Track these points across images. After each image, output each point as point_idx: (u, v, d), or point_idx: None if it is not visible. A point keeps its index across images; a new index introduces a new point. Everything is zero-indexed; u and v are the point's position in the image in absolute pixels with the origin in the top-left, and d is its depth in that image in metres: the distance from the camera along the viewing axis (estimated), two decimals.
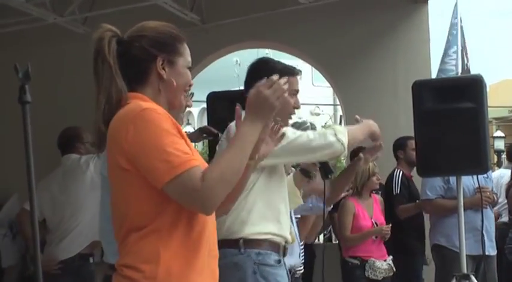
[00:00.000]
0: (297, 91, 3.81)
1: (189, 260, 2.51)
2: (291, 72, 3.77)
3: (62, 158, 6.07)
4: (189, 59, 2.74)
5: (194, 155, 2.50)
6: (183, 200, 2.45)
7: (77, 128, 6.13)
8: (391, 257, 6.65)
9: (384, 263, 6.55)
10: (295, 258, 4.65)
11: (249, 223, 3.60)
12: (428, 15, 9.08)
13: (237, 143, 2.53)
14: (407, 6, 8.99)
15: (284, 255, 3.79)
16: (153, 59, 2.64)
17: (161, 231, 2.48)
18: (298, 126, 3.50)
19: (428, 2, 9.10)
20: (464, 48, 10.88)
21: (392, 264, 6.60)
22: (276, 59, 3.97)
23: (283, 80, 2.59)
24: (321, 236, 14.65)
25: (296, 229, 4.71)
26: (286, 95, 2.64)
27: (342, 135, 3.65)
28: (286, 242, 3.78)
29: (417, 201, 6.97)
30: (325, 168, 3.76)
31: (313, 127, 3.69)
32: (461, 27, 10.82)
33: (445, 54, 10.79)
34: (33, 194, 2.75)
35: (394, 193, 7.13)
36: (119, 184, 2.56)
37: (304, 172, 3.93)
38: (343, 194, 5.31)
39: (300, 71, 3.86)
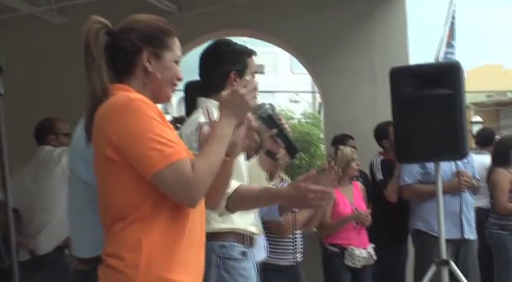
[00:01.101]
0: (256, 72, 3.77)
1: (172, 249, 2.53)
2: (250, 53, 3.75)
3: (36, 148, 6.03)
4: (179, 53, 2.78)
5: (180, 146, 2.54)
6: (171, 190, 2.47)
7: (51, 119, 6.09)
8: (372, 245, 6.65)
9: (363, 251, 6.53)
10: (260, 253, 4.61)
11: (211, 220, 3.52)
12: (405, 2, 9.08)
13: (216, 139, 2.60)
14: None
15: (251, 246, 3.73)
16: (139, 51, 2.67)
17: (144, 220, 2.50)
18: (257, 109, 3.42)
19: None
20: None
21: (373, 253, 6.60)
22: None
23: (255, 80, 2.79)
24: None
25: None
26: (256, 89, 2.72)
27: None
28: (252, 233, 3.75)
29: (395, 175, 6.96)
30: (290, 148, 3.68)
31: (273, 108, 3.62)
32: (454, 18, 10.81)
33: (448, 43, 10.73)
34: (7, 187, 2.73)
35: (377, 180, 7.14)
36: (104, 174, 2.58)
37: (269, 153, 3.86)
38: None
39: (255, 52, 3.79)
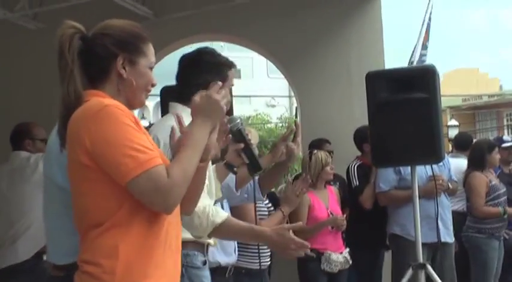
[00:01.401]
0: (233, 85, 3.77)
1: (149, 254, 2.52)
2: (231, 65, 3.73)
3: (11, 154, 5.98)
4: (153, 59, 2.76)
5: (156, 152, 2.52)
6: (146, 197, 2.46)
7: (28, 123, 6.05)
8: (347, 249, 6.65)
9: (339, 256, 6.53)
10: (230, 255, 4.62)
11: None
12: (380, 5, 9.12)
13: (191, 144, 2.59)
14: None
15: (207, 254, 3.75)
16: (113, 57, 2.65)
17: (120, 226, 2.49)
18: (229, 121, 3.42)
19: None
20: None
21: (349, 257, 6.61)
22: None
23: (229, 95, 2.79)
24: None
25: None
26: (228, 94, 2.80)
27: (204, 226, 3.46)
28: (208, 243, 3.74)
29: (370, 182, 6.98)
30: (253, 165, 3.70)
31: (242, 123, 3.62)
32: (430, 19, 10.86)
33: (424, 46, 10.78)
34: None
35: (353, 186, 7.15)
36: (78, 180, 2.56)
37: (228, 166, 3.85)
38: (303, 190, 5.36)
39: (236, 65, 3.79)
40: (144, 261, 2.51)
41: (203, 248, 3.69)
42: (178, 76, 3.75)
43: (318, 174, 6.68)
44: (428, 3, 10.41)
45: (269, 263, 5.43)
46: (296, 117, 29.77)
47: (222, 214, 3.48)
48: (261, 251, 5.18)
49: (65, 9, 7.88)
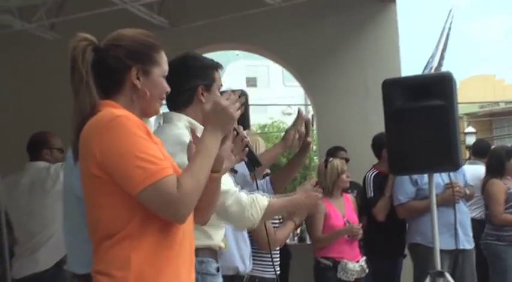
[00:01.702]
0: (221, 86, 3.77)
1: (162, 265, 2.51)
2: (217, 67, 3.72)
3: (28, 163, 5.99)
4: (166, 67, 2.75)
5: (167, 162, 2.52)
6: (157, 208, 2.45)
7: (45, 133, 6.06)
8: (364, 258, 6.63)
9: (356, 265, 6.50)
10: (246, 263, 4.59)
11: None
12: (396, 14, 9.12)
13: (202, 154, 2.58)
14: (375, 5, 9.02)
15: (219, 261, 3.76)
16: (127, 69, 2.64)
17: (133, 237, 2.49)
18: None
19: (396, 1, 9.13)
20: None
21: (366, 266, 6.58)
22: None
23: (237, 93, 2.72)
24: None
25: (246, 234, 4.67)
26: (239, 100, 2.71)
27: (257, 214, 3.58)
28: (219, 248, 3.75)
29: (385, 194, 6.95)
30: (251, 160, 3.73)
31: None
32: (450, 29, 10.76)
33: (442, 57, 10.68)
34: (1, 206, 2.74)
35: (368, 197, 7.13)
36: (91, 191, 2.56)
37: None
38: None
39: (222, 66, 3.79)
40: (157, 272, 2.50)
41: (216, 254, 3.70)
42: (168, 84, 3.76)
43: (334, 182, 6.67)
44: (450, 12, 10.31)
45: (279, 272, 5.39)
46: (312, 125, 29.64)
47: (263, 196, 3.60)
48: (274, 259, 5.17)
49: (82, 19, 7.93)
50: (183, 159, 3.09)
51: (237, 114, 2.68)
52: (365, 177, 7.21)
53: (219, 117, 2.65)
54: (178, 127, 3.53)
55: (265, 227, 3.99)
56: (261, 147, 5.14)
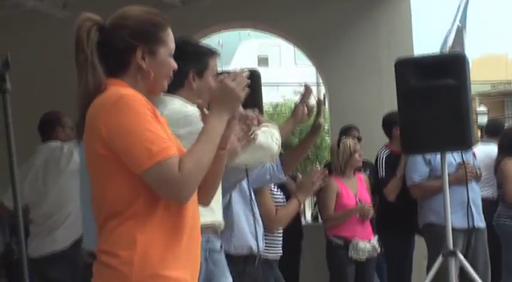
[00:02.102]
0: (217, 73, 3.77)
1: (167, 245, 2.51)
2: (212, 53, 3.73)
3: (41, 146, 6.00)
4: (173, 45, 2.72)
5: (171, 140, 2.52)
6: (159, 188, 2.45)
7: (57, 112, 6.08)
8: (376, 237, 6.63)
9: (367, 244, 6.50)
10: (260, 242, 4.57)
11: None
12: None
13: (207, 134, 2.56)
14: None
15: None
16: (133, 49, 2.61)
17: (138, 217, 2.48)
18: None
19: None
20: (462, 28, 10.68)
21: (377, 245, 6.58)
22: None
23: (246, 73, 2.67)
24: (308, 215, 14.74)
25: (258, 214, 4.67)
26: (246, 79, 2.67)
27: (277, 139, 3.71)
28: (221, 224, 3.77)
29: (396, 175, 6.94)
30: None
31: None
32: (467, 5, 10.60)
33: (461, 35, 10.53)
34: (16, 187, 2.74)
35: (379, 177, 7.11)
36: (95, 170, 2.55)
37: None
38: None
39: (219, 53, 3.79)
40: (163, 252, 2.49)
41: (217, 232, 3.72)
42: None
43: (346, 161, 6.67)
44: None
45: (281, 254, 5.37)
46: (324, 104, 29.64)
47: (274, 128, 3.79)
48: (277, 240, 5.16)
49: None
50: (187, 129, 3.11)
51: (243, 94, 2.64)
52: (377, 156, 7.20)
53: (225, 99, 2.62)
54: (173, 104, 3.52)
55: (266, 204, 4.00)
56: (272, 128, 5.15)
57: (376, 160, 7.20)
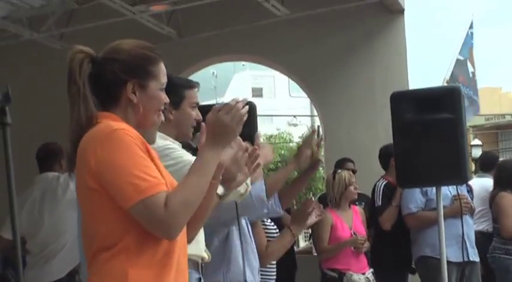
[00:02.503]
0: (197, 103, 3.79)
1: (158, 278, 2.49)
2: (189, 85, 3.77)
3: (38, 176, 6.00)
4: (164, 79, 2.71)
5: (163, 176, 2.49)
6: (146, 224, 2.43)
7: (55, 143, 6.08)
8: (371, 270, 6.62)
9: (361, 277, 6.49)
10: (256, 276, 4.55)
11: None
12: (404, 26, 9.14)
13: (199, 168, 2.54)
14: (383, 17, 9.03)
15: (203, 273, 3.73)
16: (123, 83, 2.61)
17: (129, 251, 2.46)
18: None
19: (404, 12, 9.15)
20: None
21: (372, 278, 6.56)
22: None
23: (241, 103, 2.63)
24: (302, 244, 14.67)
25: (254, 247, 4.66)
26: (244, 118, 2.64)
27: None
28: (202, 259, 3.72)
29: (392, 204, 6.93)
30: None
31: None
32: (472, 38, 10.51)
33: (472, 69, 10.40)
34: (15, 217, 2.74)
35: (376, 205, 7.11)
36: (86, 203, 2.54)
37: None
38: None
39: (198, 84, 3.83)
40: None
41: (197, 265, 3.66)
42: None
43: (341, 193, 6.67)
44: (471, 23, 10.13)
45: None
46: (318, 136, 29.61)
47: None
48: (271, 273, 5.13)
49: (91, 29, 7.96)
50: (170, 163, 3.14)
51: (240, 127, 2.62)
52: (375, 186, 7.20)
53: (219, 133, 2.60)
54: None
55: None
56: (269, 155, 5.15)
57: (374, 190, 7.20)
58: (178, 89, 3.70)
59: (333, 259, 6.58)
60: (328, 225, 6.60)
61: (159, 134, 3.57)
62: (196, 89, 3.79)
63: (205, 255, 3.74)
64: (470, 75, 9.55)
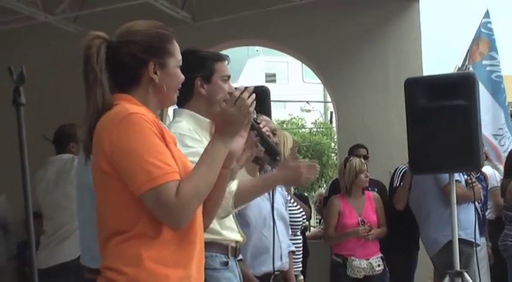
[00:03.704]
0: (228, 76, 3.76)
1: (173, 264, 2.49)
2: (218, 58, 3.73)
3: (53, 157, 6.02)
4: (180, 57, 2.72)
5: (177, 161, 2.49)
6: (156, 212, 2.43)
7: (72, 125, 6.07)
8: (379, 255, 6.64)
9: (363, 262, 6.55)
10: (270, 263, 4.52)
11: None
12: (419, 12, 9.09)
13: (209, 159, 2.54)
14: (398, 3, 8.99)
15: (235, 256, 3.74)
16: (144, 64, 2.61)
17: (144, 236, 2.46)
18: None
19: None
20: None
21: (379, 263, 6.59)
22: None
23: (247, 93, 2.63)
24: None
25: (284, 229, 4.66)
26: (251, 108, 2.64)
27: (226, 202, 3.43)
28: (237, 242, 3.73)
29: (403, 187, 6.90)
30: (270, 151, 3.70)
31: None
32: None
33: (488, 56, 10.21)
34: (29, 197, 2.75)
35: (393, 186, 7.10)
36: (101, 187, 2.54)
37: (254, 160, 3.80)
38: None
39: (227, 56, 3.77)
40: (169, 271, 2.48)
41: (225, 248, 3.68)
42: None
43: (352, 181, 6.69)
44: (486, 13, 10.02)
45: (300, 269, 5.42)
46: (331, 122, 29.65)
47: (232, 182, 3.45)
48: (298, 256, 5.19)
49: (104, 12, 7.96)
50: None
51: (247, 117, 2.64)
52: (396, 169, 7.19)
53: (227, 125, 2.60)
54: (176, 127, 3.51)
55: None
56: (288, 142, 5.14)
57: (395, 172, 7.18)
58: (207, 63, 3.67)
59: (340, 245, 6.74)
60: (336, 211, 6.72)
61: (188, 114, 3.58)
62: (226, 62, 3.74)
63: (239, 237, 3.75)
64: (464, 68, 9.42)
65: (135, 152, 2.41)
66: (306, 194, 13.70)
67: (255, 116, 3.56)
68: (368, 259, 6.59)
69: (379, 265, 6.62)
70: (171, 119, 3.81)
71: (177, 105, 3.69)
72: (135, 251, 2.45)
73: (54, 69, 9.08)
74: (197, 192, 2.45)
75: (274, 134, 4.39)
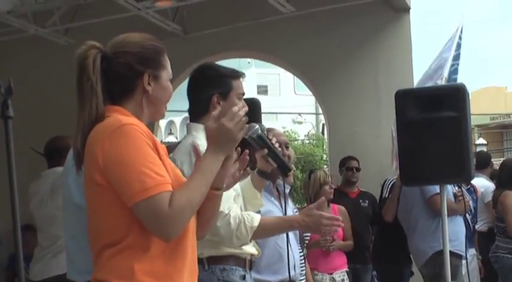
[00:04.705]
0: (243, 94, 3.78)
1: (165, 276, 2.48)
2: (236, 75, 3.75)
3: (46, 170, 5.99)
4: (170, 70, 2.72)
5: (170, 174, 2.49)
6: (147, 223, 2.42)
7: (65, 137, 6.03)
8: (344, 269, 6.62)
9: (326, 277, 6.52)
10: (286, 271, 4.53)
11: (212, 244, 3.54)
12: (409, 24, 9.12)
13: (201, 173, 2.54)
14: (388, 14, 9.02)
15: (250, 269, 3.76)
16: (139, 75, 2.61)
17: (136, 248, 2.45)
18: (247, 130, 3.43)
19: (410, 10, 9.13)
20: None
21: (340, 278, 6.56)
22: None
23: (243, 111, 2.63)
24: None
25: (295, 240, 4.66)
26: (244, 119, 2.63)
27: (245, 235, 3.57)
28: (252, 255, 3.75)
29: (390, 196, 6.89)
30: (281, 166, 3.70)
31: (262, 129, 3.64)
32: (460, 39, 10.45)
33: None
34: (16, 208, 2.74)
35: (382, 197, 7.10)
36: (93, 199, 2.53)
37: (261, 173, 3.83)
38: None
39: (243, 74, 3.80)
40: None
41: (243, 262, 3.69)
42: (187, 95, 3.80)
43: (316, 193, 6.64)
44: (460, 25, 10.12)
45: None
46: (323, 133, 29.72)
47: (255, 217, 3.59)
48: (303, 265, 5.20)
49: (95, 25, 7.96)
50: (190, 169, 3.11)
51: (241, 135, 2.62)
52: (385, 180, 7.19)
53: (222, 139, 2.59)
54: (194, 137, 3.56)
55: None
56: (291, 156, 5.15)
57: (384, 184, 7.19)
58: (226, 80, 3.69)
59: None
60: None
61: (197, 127, 3.59)
62: (241, 79, 3.77)
63: (255, 251, 3.78)
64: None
65: (128, 163, 2.41)
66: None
67: (265, 132, 3.58)
68: (331, 273, 6.56)
69: (343, 280, 6.59)
70: (163, 131, 3.82)
71: (191, 119, 3.74)
72: (127, 264, 2.44)
73: (45, 81, 9.07)
74: (190, 204, 2.45)
75: (287, 147, 4.43)
